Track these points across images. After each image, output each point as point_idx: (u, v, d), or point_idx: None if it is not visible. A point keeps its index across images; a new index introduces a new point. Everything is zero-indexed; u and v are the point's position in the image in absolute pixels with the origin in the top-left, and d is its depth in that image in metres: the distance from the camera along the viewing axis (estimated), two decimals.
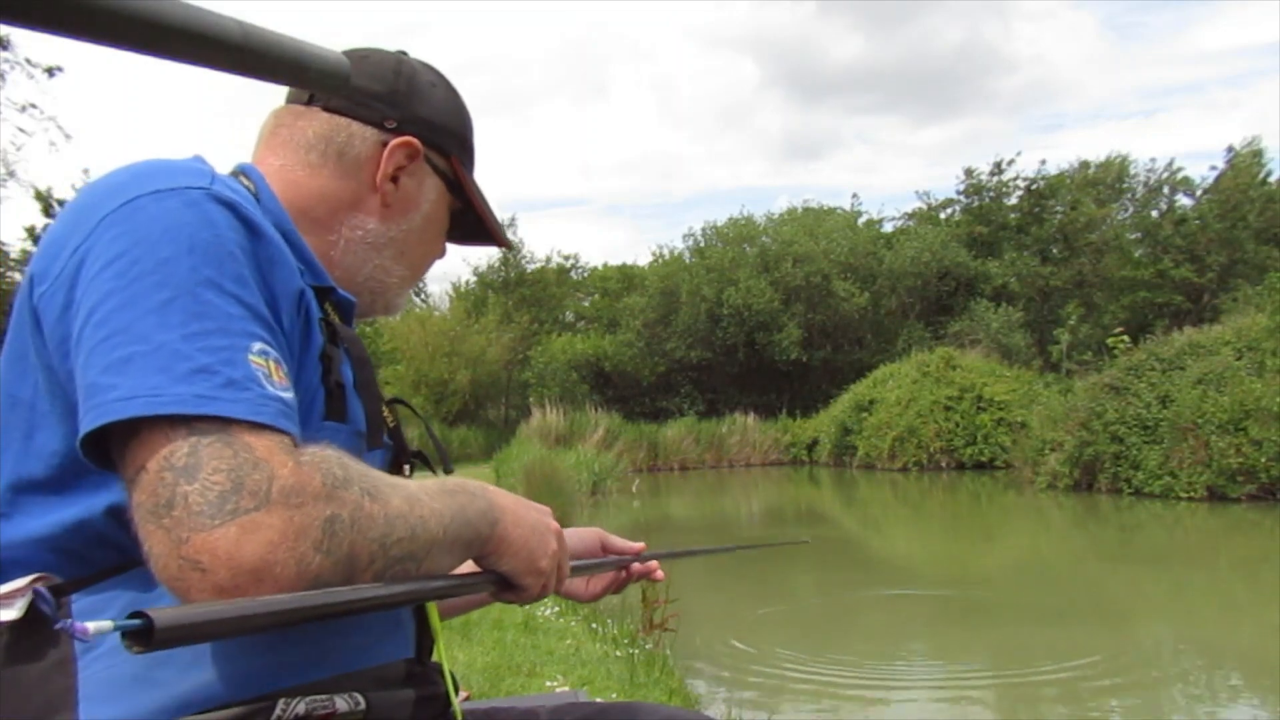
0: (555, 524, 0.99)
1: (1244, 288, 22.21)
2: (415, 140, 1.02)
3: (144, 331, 0.73)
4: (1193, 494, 12.52)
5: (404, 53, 1.09)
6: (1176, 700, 4.83)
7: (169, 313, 0.74)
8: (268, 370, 0.77)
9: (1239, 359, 13.64)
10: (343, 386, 0.89)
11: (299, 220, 0.96)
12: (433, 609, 0.97)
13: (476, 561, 0.91)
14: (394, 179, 1.02)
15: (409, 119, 1.02)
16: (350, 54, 0.99)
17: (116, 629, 0.59)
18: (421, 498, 0.82)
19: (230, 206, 0.81)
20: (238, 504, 0.69)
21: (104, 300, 0.75)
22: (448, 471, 1.23)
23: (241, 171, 0.98)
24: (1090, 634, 6.32)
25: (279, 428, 0.75)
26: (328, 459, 0.76)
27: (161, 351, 0.73)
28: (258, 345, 0.77)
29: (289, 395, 0.78)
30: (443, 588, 0.84)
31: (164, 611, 0.61)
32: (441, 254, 1.14)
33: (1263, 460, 12.10)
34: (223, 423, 0.72)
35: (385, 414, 0.98)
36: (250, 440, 0.73)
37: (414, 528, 0.79)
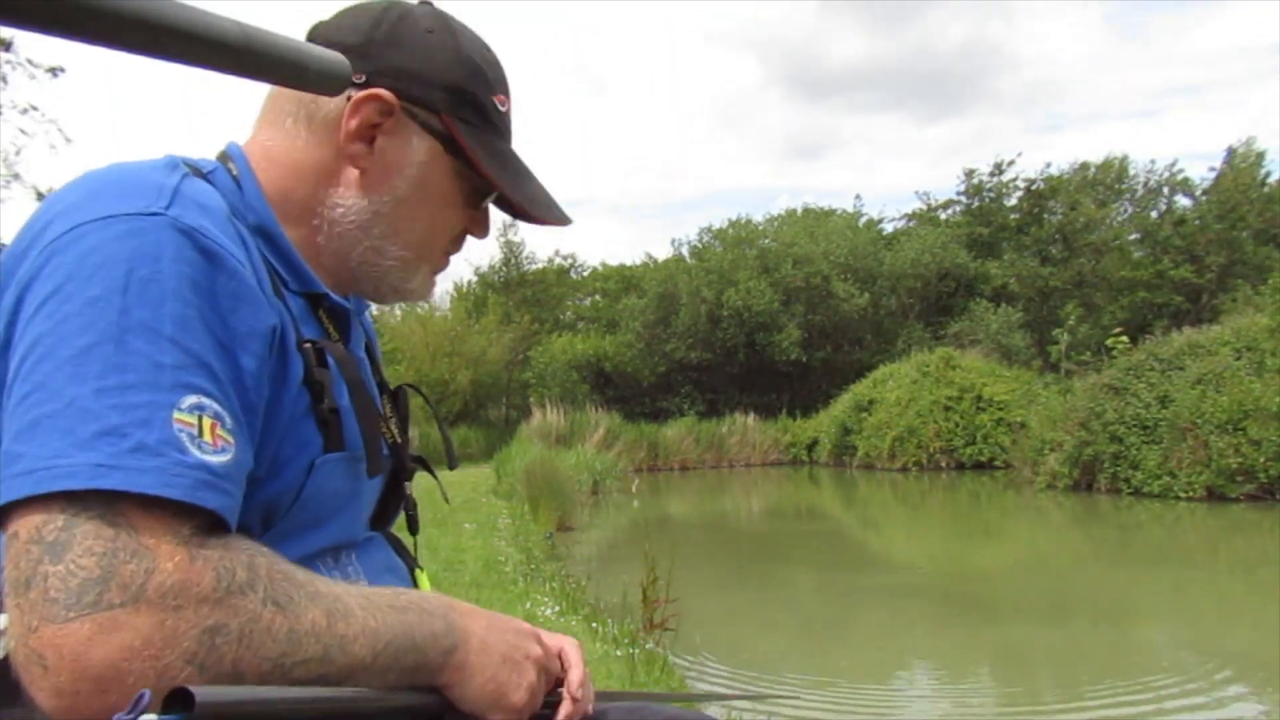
0: (539, 649, 0.87)
1: (1243, 288, 22.21)
2: (386, 93, 0.88)
3: (57, 386, 0.65)
4: (1192, 494, 12.52)
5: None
6: (1175, 700, 4.83)
7: (87, 362, 0.66)
8: (197, 430, 0.67)
9: (1238, 359, 13.65)
10: (338, 412, 0.83)
11: (281, 208, 0.88)
12: None
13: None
14: (370, 141, 0.89)
15: (382, 70, 0.88)
16: (341, 13, 0.94)
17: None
18: (355, 612, 0.71)
19: (187, 234, 0.72)
20: (100, 596, 0.60)
21: (32, 348, 0.67)
22: (451, 468, 1.22)
23: (228, 155, 0.90)
24: (1089, 633, 6.32)
25: (192, 503, 0.65)
26: (235, 556, 0.67)
27: (70, 410, 0.64)
28: (190, 399, 0.67)
29: (223, 460, 0.68)
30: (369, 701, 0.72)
31: (204, 691, 0.58)
32: (462, 227, 0.99)
33: (1261, 460, 12.10)
34: (110, 497, 0.63)
35: (384, 430, 0.93)
36: (139, 521, 0.63)
37: (329, 648, 0.69)
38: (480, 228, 1.00)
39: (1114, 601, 7.42)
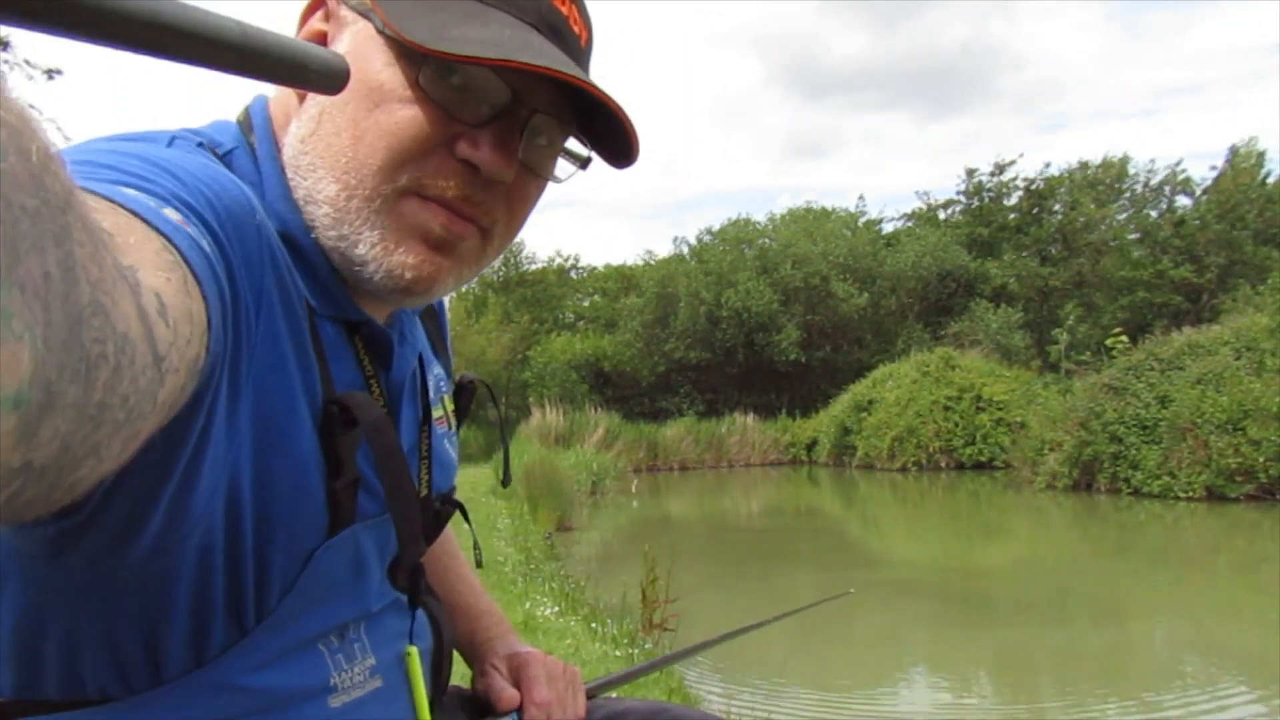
0: None
1: (1243, 288, 22.21)
2: None
3: None
4: (1191, 494, 12.52)
5: None
6: (1175, 699, 4.82)
7: None
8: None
9: (1238, 359, 13.65)
10: (358, 483, 0.72)
11: (293, 179, 0.71)
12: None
13: None
14: None
15: None
16: None
17: None
18: None
19: None
20: None
21: None
22: (504, 484, 1.16)
23: (249, 120, 0.75)
24: (1089, 633, 6.32)
25: None
26: None
27: None
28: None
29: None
30: None
31: None
32: (438, 139, 0.68)
33: (1261, 460, 12.10)
34: None
35: (416, 494, 0.77)
36: None
37: None
38: (473, 142, 0.68)
39: (1114, 601, 7.42)
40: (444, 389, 0.94)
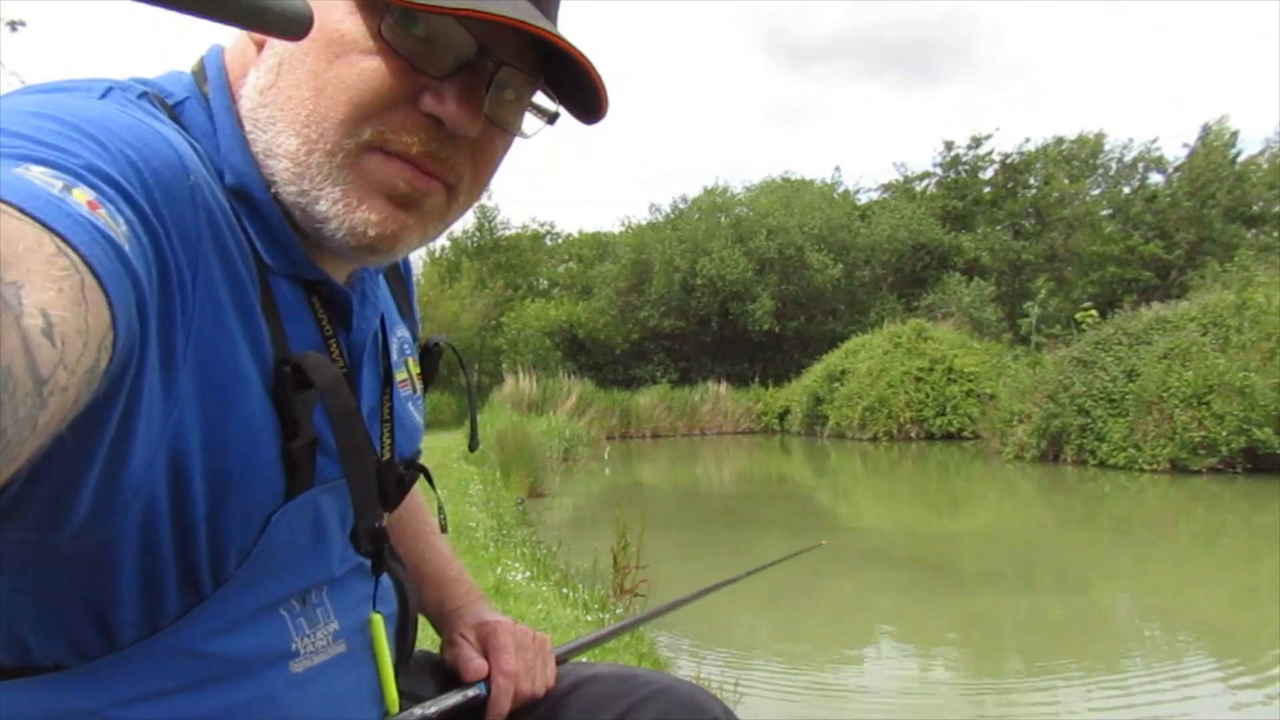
0: None
1: (1211, 265, 22.49)
2: None
3: None
4: (1155, 466, 12.75)
5: None
6: (1136, 665, 4.92)
7: None
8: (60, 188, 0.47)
9: (1204, 335, 13.86)
10: (316, 443, 0.70)
11: (251, 132, 0.68)
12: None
13: None
14: None
15: None
16: None
17: None
18: None
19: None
20: None
21: None
22: (472, 449, 1.11)
23: (203, 71, 0.72)
24: (1053, 601, 6.43)
25: None
26: None
27: None
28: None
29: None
30: None
31: None
32: (402, 91, 0.65)
33: (1224, 434, 12.32)
34: None
35: (377, 458, 0.77)
36: None
37: None
38: (438, 96, 0.66)
39: (1078, 570, 7.55)
40: (408, 351, 0.91)
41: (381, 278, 0.87)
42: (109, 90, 0.63)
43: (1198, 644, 5.40)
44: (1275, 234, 26.41)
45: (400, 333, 0.90)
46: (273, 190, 0.67)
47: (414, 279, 1.00)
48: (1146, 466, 12.83)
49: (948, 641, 5.55)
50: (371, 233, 0.67)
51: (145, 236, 0.52)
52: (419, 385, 0.92)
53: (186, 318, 0.58)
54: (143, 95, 0.65)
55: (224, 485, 0.63)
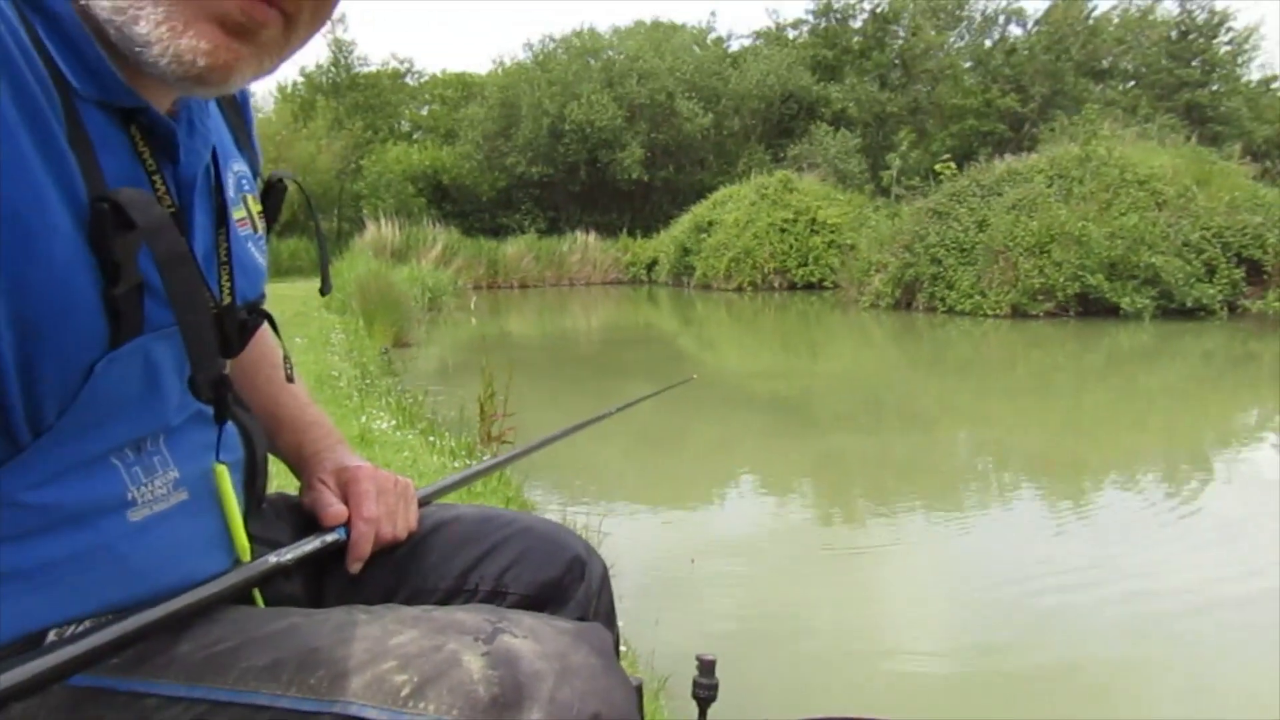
0: None
1: (1060, 118, 23.37)
2: None
3: None
4: (998, 312, 13.55)
5: None
6: (971, 496, 5.33)
7: None
8: None
9: (1050, 186, 14.53)
10: (141, 288, 0.64)
11: None
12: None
13: None
14: None
15: None
16: None
17: None
18: None
19: None
20: None
21: None
22: (324, 292, 1.02)
23: None
24: (899, 438, 6.84)
25: None
26: None
27: None
28: None
29: None
30: None
31: None
32: None
33: (1061, 280, 13.16)
34: None
35: (211, 303, 0.72)
36: None
37: None
38: None
39: (923, 410, 8.03)
40: (247, 188, 0.84)
41: (214, 106, 0.80)
42: None
43: (1024, 471, 5.89)
44: (1120, 88, 27.58)
45: (237, 167, 0.83)
46: (83, 1, 0.59)
47: (255, 112, 0.91)
48: (990, 312, 13.61)
49: (803, 479, 5.86)
50: (201, 62, 0.60)
51: None
52: (260, 224, 0.86)
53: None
54: None
55: (34, 332, 0.58)
